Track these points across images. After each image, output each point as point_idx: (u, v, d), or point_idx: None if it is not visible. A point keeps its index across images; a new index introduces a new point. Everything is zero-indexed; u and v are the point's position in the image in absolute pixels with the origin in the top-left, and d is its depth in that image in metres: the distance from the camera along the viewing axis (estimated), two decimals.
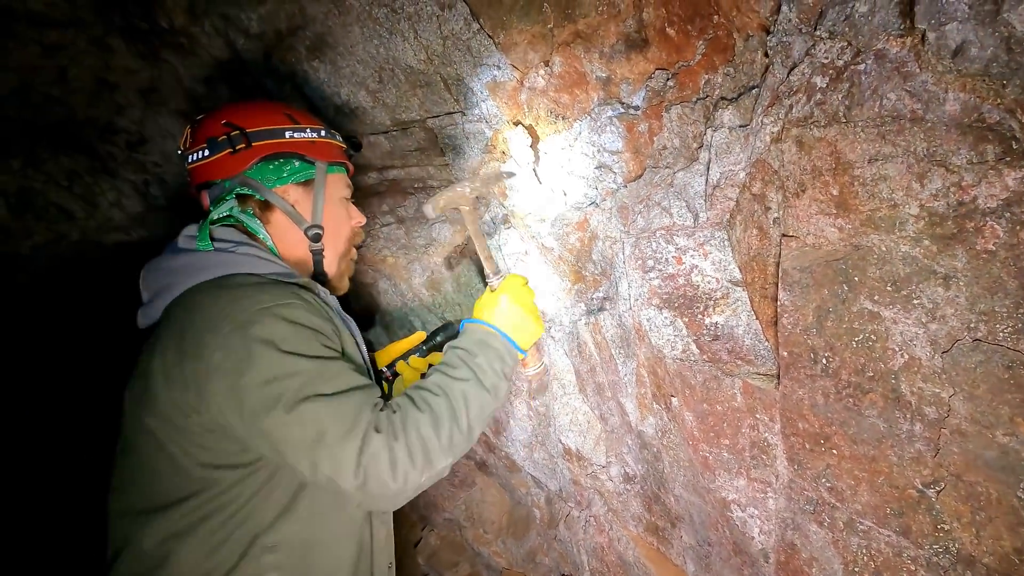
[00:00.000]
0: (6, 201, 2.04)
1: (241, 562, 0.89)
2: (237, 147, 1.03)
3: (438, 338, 1.39)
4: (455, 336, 1.39)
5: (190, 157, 1.06)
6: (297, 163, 1.09)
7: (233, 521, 0.89)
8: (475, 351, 1.02)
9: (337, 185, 1.16)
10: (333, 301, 1.09)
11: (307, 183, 1.11)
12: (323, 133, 1.14)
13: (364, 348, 1.11)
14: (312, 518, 0.96)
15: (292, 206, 1.08)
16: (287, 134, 1.08)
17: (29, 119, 1.80)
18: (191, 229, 1.06)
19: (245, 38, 1.64)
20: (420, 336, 1.41)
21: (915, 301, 0.76)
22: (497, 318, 1.07)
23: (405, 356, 1.38)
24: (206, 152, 1.04)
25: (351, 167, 1.24)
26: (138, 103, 1.88)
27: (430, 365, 1.42)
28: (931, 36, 0.67)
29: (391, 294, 2.25)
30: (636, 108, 1.20)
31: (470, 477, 2.31)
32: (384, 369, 1.38)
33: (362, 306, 2.49)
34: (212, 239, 1.02)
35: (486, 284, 1.15)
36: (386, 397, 1.33)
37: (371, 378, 1.03)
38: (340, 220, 1.16)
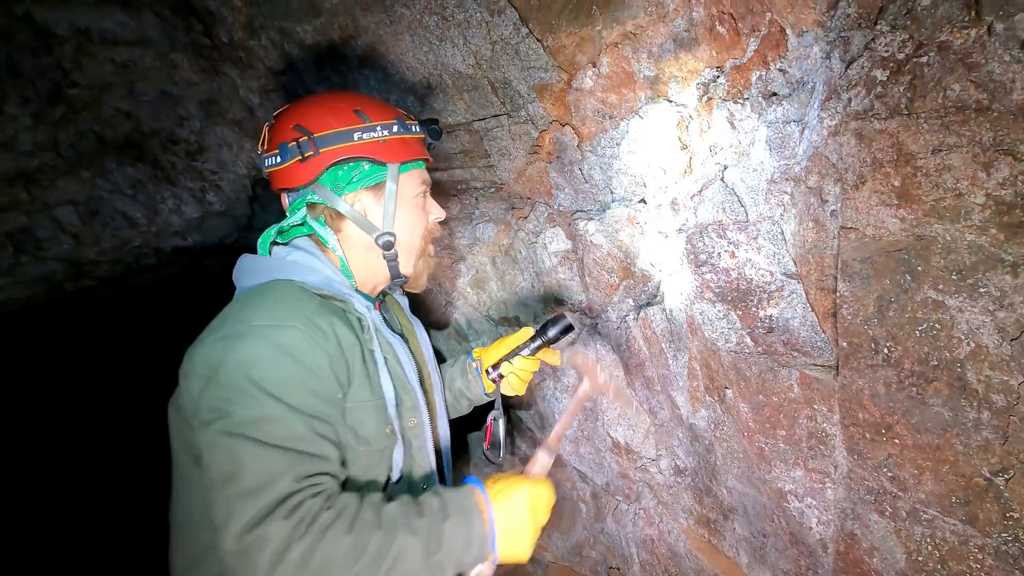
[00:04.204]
0: (76, 209, 2.17)
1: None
2: (306, 155, 0.99)
3: (549, 333, 1.24)
4: (568, 329, 1.26)
5: (266, 162, 1.05)
6: (367, 166, 1.03)
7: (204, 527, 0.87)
8: (449, 516, 0.86)
9: (411, 183, 1.09)
10: (374, 318, 1.04)
11: (378, 186, 1.04)
12: (395, 129, 1.04)
13: (410, 364, 1.07)
14: None
15: (362, 214, 1.04)
16: (355, 136, 1.01)
17: (99, 132, 1.92)
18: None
19: (299, 49, 1.72)
20: (528, 332, 1.28)
21: (981, 289, 0.77)
22: (501, 510, 0.90)
23: (511, 356, 1.27)
24: (278, 159, 1.02)
25: (429, 158, 1.13)
26: (198, 114, 1.99)
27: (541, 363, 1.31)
28: (999, 27, 0.68)
29: (435, 293, 2.30)
30: (685, 106, 1.22)
31: None
32: (490, 370, 1.27)
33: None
34: (279, 244, 1.05)
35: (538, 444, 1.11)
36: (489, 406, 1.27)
37: (409, 400, 1.02)
38: (415, 221, 1.10)
